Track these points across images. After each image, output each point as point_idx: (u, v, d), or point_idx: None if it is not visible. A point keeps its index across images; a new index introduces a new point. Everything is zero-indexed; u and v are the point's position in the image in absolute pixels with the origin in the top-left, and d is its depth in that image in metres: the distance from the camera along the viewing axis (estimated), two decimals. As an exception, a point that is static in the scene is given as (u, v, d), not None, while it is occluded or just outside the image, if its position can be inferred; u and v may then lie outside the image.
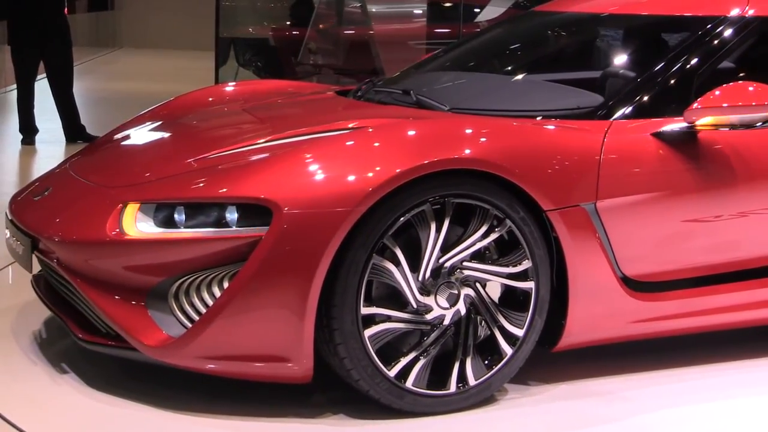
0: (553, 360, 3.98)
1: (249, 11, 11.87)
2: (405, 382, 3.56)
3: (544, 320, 3.74)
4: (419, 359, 3.58)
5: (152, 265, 3.56)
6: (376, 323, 3.52)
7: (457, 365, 3.63)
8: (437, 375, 3.62)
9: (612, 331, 3.91)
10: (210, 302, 3.48)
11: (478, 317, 3.66)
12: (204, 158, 3.86)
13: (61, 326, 3.94)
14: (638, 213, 3.85)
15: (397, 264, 3.51)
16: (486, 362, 3.68)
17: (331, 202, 3.41)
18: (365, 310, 3.49)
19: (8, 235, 4.11)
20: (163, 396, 3.68)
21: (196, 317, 3.49)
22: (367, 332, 3.49)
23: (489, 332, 3.69)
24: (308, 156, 3.58)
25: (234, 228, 3.48)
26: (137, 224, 3.59)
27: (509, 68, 4.82)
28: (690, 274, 3.99)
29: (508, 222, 3.62)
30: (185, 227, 3.54)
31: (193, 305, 3.52)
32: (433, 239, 3.55)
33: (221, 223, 3.50)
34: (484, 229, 3.61)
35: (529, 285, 3.68)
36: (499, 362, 3.69)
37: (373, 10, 10.18)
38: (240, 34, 11.16)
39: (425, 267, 3.56)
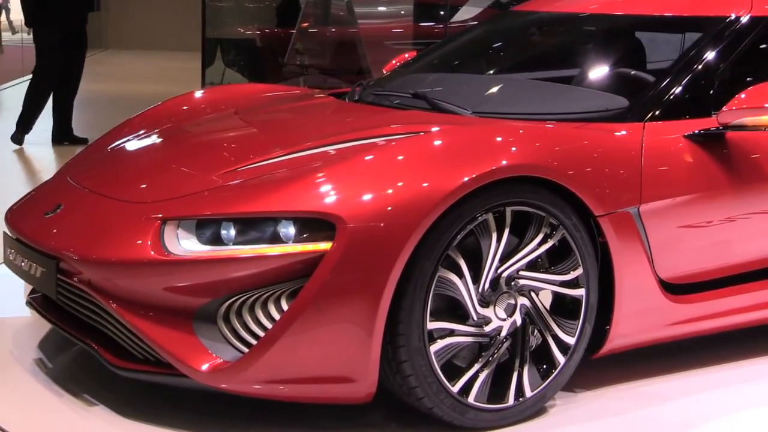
0: (591, 365, 3.93)
1: (235, 12, 11.71)
2: (467, 397, 3.45)
3: (592, 327, 3.69)
4: (481, 373, 3.47)
5: (198, 285, 3.34)
6: (441, 338, 3.39)
7: (515, 377, 3.53)
8: (495, 388, 3.52)
9: (650, 334, 3.88)
10: (266, 323, 3.29)
11: (532, 327, 3.57)
12: (233, 171, 3.64)
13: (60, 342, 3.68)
14: (677, 215, 3.83)
15: (461, 275, 3.39)
16: (539, 372, 3.60)
17: (397, 214, 3.26)
18: (431, 325, 3.35)
19: (12, 255, 3.80)
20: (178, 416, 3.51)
21: (251, 340, 3.29)
22: (433, 348, 3.36)
23: (540, 342, 3.61)
24: (365, 166, 3.41)
25: (291, 244, 3.29)
26: (180, 242, 3.36)
27: (518, 69, 4.74)
28: (722, 273, 4.00)
29: (562, 229, 3.54)
30: (235, 244, 3.33)
31: (246, 327, 3.31)
32: (494, 249, 3.44)
33: (275, 238, 3.31)
34: (540, 237, 3.52)
35: (580, 292, 3.62)
36: (553, 371, 3.61)
37: (360, 10, 10.14)
38: (227, 34, 11.00)
39: (485, 277, 3.45)
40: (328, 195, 3.31)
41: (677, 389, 3.93)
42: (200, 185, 3.60)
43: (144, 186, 3.74)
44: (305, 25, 10.11)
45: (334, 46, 10.00)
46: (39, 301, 3.92)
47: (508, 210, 3.44)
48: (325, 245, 3.25)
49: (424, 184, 3.31)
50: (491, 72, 4.75)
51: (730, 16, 4.23)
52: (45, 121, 9.03)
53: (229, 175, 3.62)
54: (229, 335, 3.32)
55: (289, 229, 3.30)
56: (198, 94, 5.01)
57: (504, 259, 3.47)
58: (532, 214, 3.49)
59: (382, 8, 10.54)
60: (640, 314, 3.79)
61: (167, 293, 3.35)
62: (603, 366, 3.94)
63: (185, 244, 3.36)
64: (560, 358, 3.62)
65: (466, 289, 3.41)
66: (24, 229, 3.74)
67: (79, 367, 3.95)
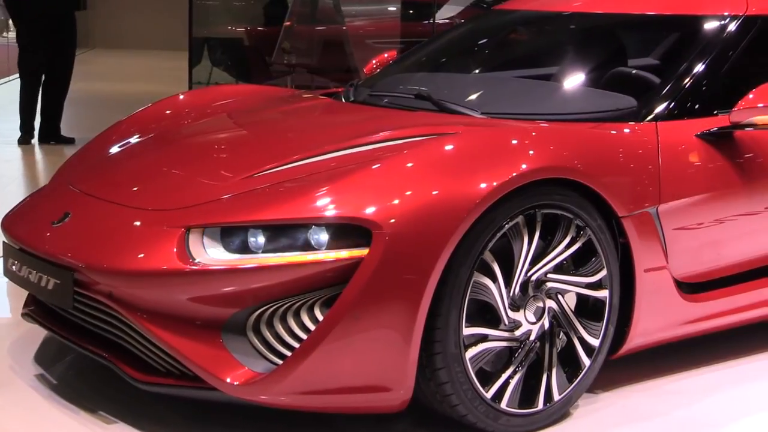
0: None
1: (223, 11, 11.57)
2: (500, 403, 3.40)
3: (614, 328, 3.67)
4: (512, 378, 3.43)
5: (225, 294, 3.23)
6: (476, 344, 3.34)
7: (544, 380, 3.50)
8: (524, 393, 3.48)
9: (666, 333, 3.89)
10: (299, 333, 3.19)
11: (558, 330, 3.54)
12: (251, 177, 3.53)
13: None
14: (692, 214, 3.84)
15: (495, 279, 3.34)
16: (566, 375, 3.57)
17: (434, 219, 3.19)
18: (467, 331, 3.30)
19: (15, 266, 3.63)
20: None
21: (284, 351, 3.19)
22: (468, 354, 3.31)
23: (565, 344, 3.58)
24: (397, 170, 3.33)
25: (324, 251, 3.19)
26: (207, 251, 3.25)
27: (518, 68, 4.69)
28: (733, 270, 4.02)
29: (588, 231, 3.51)
30: (264, 252, 3.23)
31: (279, 337, 3.21)
32: (525, 252, 3.40)
33: (307, 245, 3.21)
34: (568, 239, 3.49)
35: (604, 294, 3.59)
36: (579, 374, 3.59)
37: (348, 9, 10.10)
38: (214, 33, 10.93)
39: (516, 281, 3.41)
40: (362, 200, 3.22)
41: (697, 386, 3.95)
42: (219, 191, 3.48)
43: (157, 193, 3.60)
44: (292, 24, 10.02)
45: (322, 45, 9.95)
46: (40, 314, 3.76)
47: (539, 213, 3.40)
48: (360, 252, 3.17)
49: (460, 188, 3.25)
50: (479, 71, 4.71)
51: (731, 14, 4.24)
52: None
53: (248, 180, 3.51)
54: (260, 346, 3.22)
55: (321, 236, 3.21)
56: (191, 94, 4.89)
57: (533, 262, 3.44)
58: (560, 217, 3.46)
59: (369, 7, 10.53)
60: (658, 314, 3.79)
61: (193, 303, 3.24)
62: (617, 365, 3.93)
63: (212, 253, 3.24)
64: (586, 360, 3.59)
65: (499, 293, 3.36)
66: (30, 239, 3.58)
67: (75, 374, 3.87)
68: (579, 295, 3.58)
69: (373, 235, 3.16)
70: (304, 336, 3.17)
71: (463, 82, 4.54)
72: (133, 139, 4.22)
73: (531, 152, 3.42)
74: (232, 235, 3.27)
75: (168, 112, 4.61)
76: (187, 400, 3.45)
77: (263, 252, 3.23)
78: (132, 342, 3.37)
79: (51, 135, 8.82)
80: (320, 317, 3.17)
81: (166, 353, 3.28)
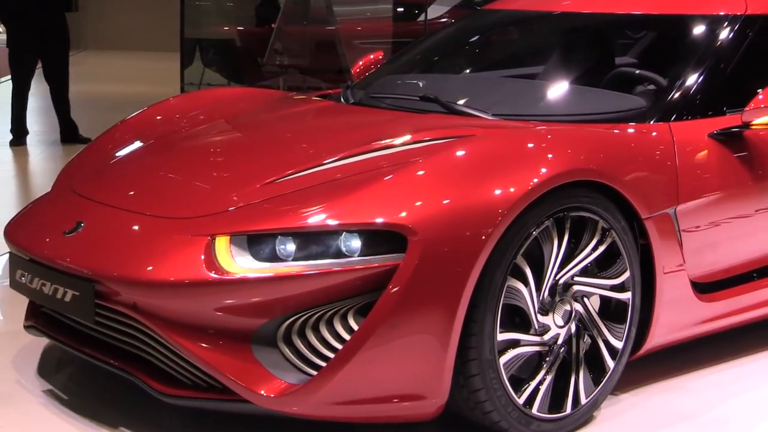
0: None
1: (215, 11, 11.47)
2: (531, 408, 3.36)
3: (636, 330, 3.66)
4: (543, 383, 3.39)
5: (254, 304, 3.14)
6: (508, 349, 3.29)
7: (572, 384, 3.47)
8: (553, 397, 3.45)
9: (681, 333, 3.89)
10: (333, 342, 3.12)
11: (584, 333, 3.52)
12: (273, 182, 3.44)
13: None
14: (706, 214, 3.84)
15: (527, 283, 3.30)
16: (591, 378, 3.55)
17: (469, 223, 3.14)
18: (500, 336, 3.25)
19: (25, 277, 3.50)
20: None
21: (317, 360, 3.12)
22: (501, 360, 3.26)
23: (589, 348, 3.55)
24: (426, 173, 3.26)
25: (357, 258, 3.12)
26: (236, 260, 3.16)
27: (517, 68, 4.66)
28: (743, 269, 4.04)
29: (613, 233, 3.49)
30: (294, 260, 3.15)
31: (311, 347, 3.14)
32: (555, 255, 3.37)
33: (339, 253, 3.14)
34: (594, 241, 3.47)
35: (627, 296, 3.58)
36: (604, 377, 3.56)
37: (339, 9, 10.08)
38: (206, 34, 10.82)
39: (546, 284, 3.37)
40: (396, 205, 3.16)
41: (717, 383, 3.96)
42: (241, 199, 3.38)
43: (175, 200, 3.50)
44: (284, 24, 9.92)
45: (314, 45, 9.86)
46: (46, 326, 3.64)
47: (567, 215, 3.37)
48: (394, 258, 3.11)
49: (494, 191, 3.20)
50: (482, 71, 4.67)
51: (732, 14, 4.24)
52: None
53: (269, 186, 3.43)
54: (293, 357, 3.14)
55: (353, 243, 3.14)
56: (187, 98, 4.77)
57: (562, 265, 3.41)
58: (586, 219, 3.43)
59: (360, 7, 10.50)
60: (675, 314, 3.79)
61: (222, 314, 3.15)
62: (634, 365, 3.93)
63: (241, 262, 3.15)
64: (610, 363, 3.57)
65: (530, 297, 3.33)
66: (44, 250, 3.45)
67: (75, 384, 3.80)
68: (602, 298, 3.56)
69: (408, 241, 3.10)
70: (338, 345, 3.11)
71: (467, 83, 4.50)
72: (137, 144, 4.11)
73: (561, 154, 3.39)
74: (260, 243, 3.18)
75: (159, 117, 4.47)
76: (213, 413, 3.36)
77: (293, 260, 3.15)
78: (155, 354, 3.27)
79: (71, 136, 8.80)
80: (354, 326, 3.11)
81: (193, 365, 3.19)
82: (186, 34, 10.15)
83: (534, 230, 3.27)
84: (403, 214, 3.13)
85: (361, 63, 5.26)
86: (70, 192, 3.79)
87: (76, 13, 13.87)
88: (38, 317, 3.72)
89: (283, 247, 3.17)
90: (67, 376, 3.87)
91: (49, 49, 8.67)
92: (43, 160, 8.47)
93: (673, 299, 3.75)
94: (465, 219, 3.15)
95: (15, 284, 3.59)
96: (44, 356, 3.98)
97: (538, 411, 3.38)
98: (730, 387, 3.94)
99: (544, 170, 3.28)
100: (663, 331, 3.77)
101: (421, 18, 9.60)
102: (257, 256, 3.17)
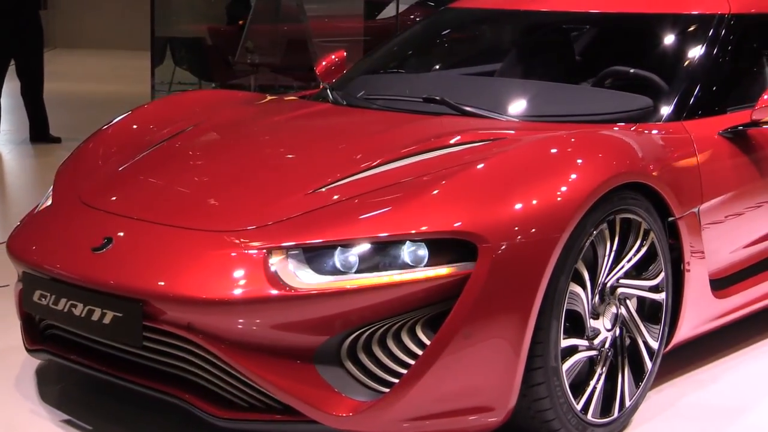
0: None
1: (185, 9, 11.03)
2: (587, 414, 3.32)
3: (668, 329, 3.66)
4: (596, 388, 3.35)
5: (316, 320, 3.00)
6: (567, 357, 3.24)
7: (619, 388, 3.44)
8: (603, 402, 3.41)
9: (698, 330, 3.91)
10: (402, 356, 3.01)
11: (626, 335, 3.50)
12: (318, 190, 3.29)
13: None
14: (723, 212, 3.88)
15: (585, 287, 3.26)
16: (633, 380, 3.53)
17: (536, 229, 3.07)
18: (563, 343, 3.20)
19: (47, 299, 3.25)
20: None
21: (387, 377, 3.00)
22: (564, 366, 3.21)
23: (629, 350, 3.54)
24: (484, 179, 3.18)
25: (424, 267, 3.01)
26: (297, 274, 3.00)
27: (518, 68, 4.60)
28: (750, 262, 4.10)
29: (652, 234, 3.48)
30: (358, 272, 3.01)
31: (380, 363, 3.01)
32: (607, 258, 3.33)
33: (405, 263, 3.03)
34: (638, 243, 3.45)
35: (662, 296, 3.58)
36: (643, 378, 3.55)
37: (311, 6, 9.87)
38: (176, 33, 10.48)
39: (597, 288, 3.33)
40: (463, 212, 3.05)
41: (727, 372, 4.02)
42: (288, 209, 3.22)
43: (214, 212, 3.30)
44: (255, 22, 9.61)
45: (285, 44, 9.59)
46: (63, 349, 3.39)
47: (617, 218, 3.34)
48: (464, 267, 3.01)
49: (557, 195, 3.14)
50: (481, 72, 4.60)
51: (724, 13, 4.28)
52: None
53: (314, 196, 3.27)
54: (360, 374, 3.01)
55: (419, 252, 3.03)
56: (176, 99, 4.53)
57: (611, 268, 3.38)
58: (632, 221, 3.41)
59: (331, 4, 10.31)
60: (696, 311, 3.80)
61: (282, 332, 3.00)
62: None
63: (303, 276, 3.00)
64: (648, 364, 3.57)
65: (587, 301, 3.28)
66: (74, 268, 3.20)
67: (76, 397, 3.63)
68: (638, 299, 3.55)
69: (479, 248, 3.00)
70: (408, 360, 2.99)
71: (472, 84, 4.40)
72: (138, 150, 3.87)
73: (615, 157, 3.35)
74: (320, 256, 3.03)
75: (149, 122, 4.22)
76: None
77: (356, 272, 3.02)
78: (206, 376, 3.08)
79: (40, 136, 8.58)
80: (424, 338, 3.00)
81: (250, 386, 3.02)
82: (156, 32, 9.94)
83: (592, 233, 3.23)
84: (470, 221, 3.03)
85: (324, 63, 5.11)
86: (79, 204, 3.54)
87: (46, 11, 13.33)
88: (46, 340, 3.47)
89: (344, 258, 3.03)
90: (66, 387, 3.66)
91: (24, 47, 8.46)
92: (12, 159, 8.22)
93: (696, 297, 3.77)
94: (534, 224, 3.08)
95: (31, 305, 3.34)
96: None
97: (592, 416, 3.34)
98: (746, 375, 3.99)
99: (603, 173, 3.24)
100: (687, 329, 3.80)
101: (381, 15, 9.49)
102: (319, 270, 3.02)
